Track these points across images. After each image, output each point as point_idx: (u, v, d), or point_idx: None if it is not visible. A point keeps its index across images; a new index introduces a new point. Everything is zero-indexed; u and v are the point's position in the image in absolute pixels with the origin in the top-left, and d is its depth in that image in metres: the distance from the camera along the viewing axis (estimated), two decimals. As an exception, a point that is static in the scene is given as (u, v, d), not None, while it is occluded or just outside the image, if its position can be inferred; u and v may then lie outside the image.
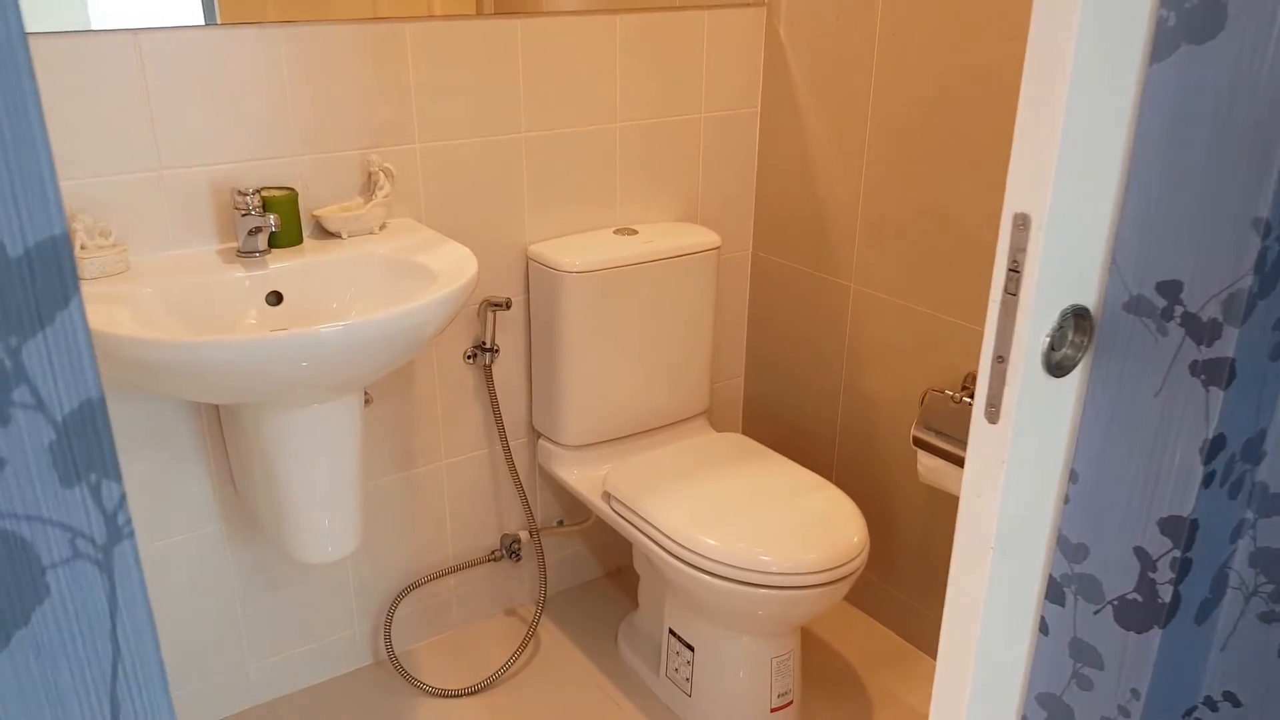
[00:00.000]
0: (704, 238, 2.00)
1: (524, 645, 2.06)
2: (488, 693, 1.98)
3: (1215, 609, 0.99)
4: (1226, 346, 0.84)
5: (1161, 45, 0.83)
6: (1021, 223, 0.86)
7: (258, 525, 1.81)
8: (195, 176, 1.62)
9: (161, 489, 1.73)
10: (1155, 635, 0.94)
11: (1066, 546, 0.99)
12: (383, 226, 1.76)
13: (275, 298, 1.63)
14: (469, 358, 1.97)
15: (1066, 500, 0.98)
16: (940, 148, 1.84)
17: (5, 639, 0.45)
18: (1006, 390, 0.90)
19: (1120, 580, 0.96)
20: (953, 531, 1.94)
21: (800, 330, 2.23)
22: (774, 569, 1.66)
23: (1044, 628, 1.03)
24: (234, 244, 1.66)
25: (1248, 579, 0.97)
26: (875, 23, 1.90)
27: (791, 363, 2.28)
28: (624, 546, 2.32)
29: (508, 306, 1.93)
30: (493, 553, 2.13)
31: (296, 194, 1.66)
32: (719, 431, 2.17)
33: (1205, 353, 0.86)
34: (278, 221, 1.60)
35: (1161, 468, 0.90)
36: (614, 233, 2.00)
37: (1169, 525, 0.91)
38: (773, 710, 1.86)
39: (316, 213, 1.72)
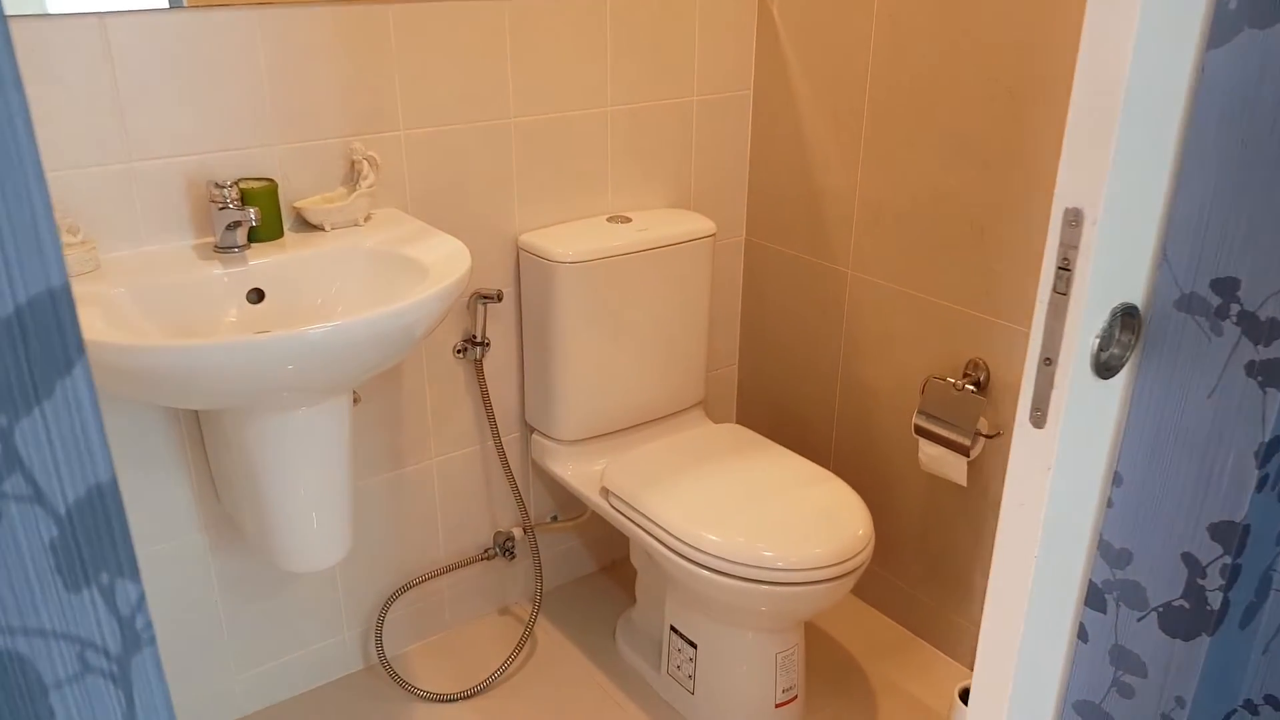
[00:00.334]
0: (699, 225, 1.94)
1: (520, 646, 2.00)
2: (484, 696, 1.93)
3: (1259, 612, 0.96)
4: (1290, 347, 0.80)
5: (1221, 29, 0.78)
6: (1073, 218, 0.81)
7: (241, 534, 1.74)
8: (168, 168, 1.54)
9: (139, 498, 1.65)
10: (1203, 643, 0.91)
11: (1109, 552, 0.95)
12: (368, 218, 1.69)
13: (256, 295, 1.56)
14: (459, 352, 1.90)
15: (1110, 504, 0.94)
16: (940, 132, 1.79)
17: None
18: (1054, 393, 0.86)
19: (1166, 586, 0.92)
20: (953, 519, 1.92)
21: (796, 317, 2.18)
22: (779, 565, 1.62)
23: (1083, 634, 0.99)
24: (211, 239, 1.59)
25: (1298, 584, 0.94)
26: (873, 3, 1.84)
27: (787, 350, 2.23)
28: (619, 540, 2.27)
29: (499, 299, 1.86)
30: (486, 551, 2.08)
31: (276, 185, 1.59)
32: (714, 421, 2.12)
33: (1263, 353, 0.82)
34: (258, 215, 1.52)
35: (1213, 471, 0.86)
36: (607, 220, 1.94)
37: (1220, 530, 0.87)
38: (777, 706, 1.82)
39: (297, 204, 1.64)
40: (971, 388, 1.82)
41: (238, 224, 1.53)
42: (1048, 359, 0.86)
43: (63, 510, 0.34)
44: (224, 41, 1.52)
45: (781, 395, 2.28)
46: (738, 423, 2.41)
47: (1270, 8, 0.75)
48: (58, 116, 1.43)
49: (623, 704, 1.92)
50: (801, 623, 1.82)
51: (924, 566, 2.04)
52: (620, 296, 1.87)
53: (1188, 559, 0.89)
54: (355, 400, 1.76)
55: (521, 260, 1.89)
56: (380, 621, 1.96)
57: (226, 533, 1.75)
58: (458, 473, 1.99)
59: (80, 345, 0.33)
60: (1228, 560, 0.87)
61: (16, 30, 1.37)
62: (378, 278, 1.59)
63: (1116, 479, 0.93)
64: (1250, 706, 1.00)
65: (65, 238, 1.45)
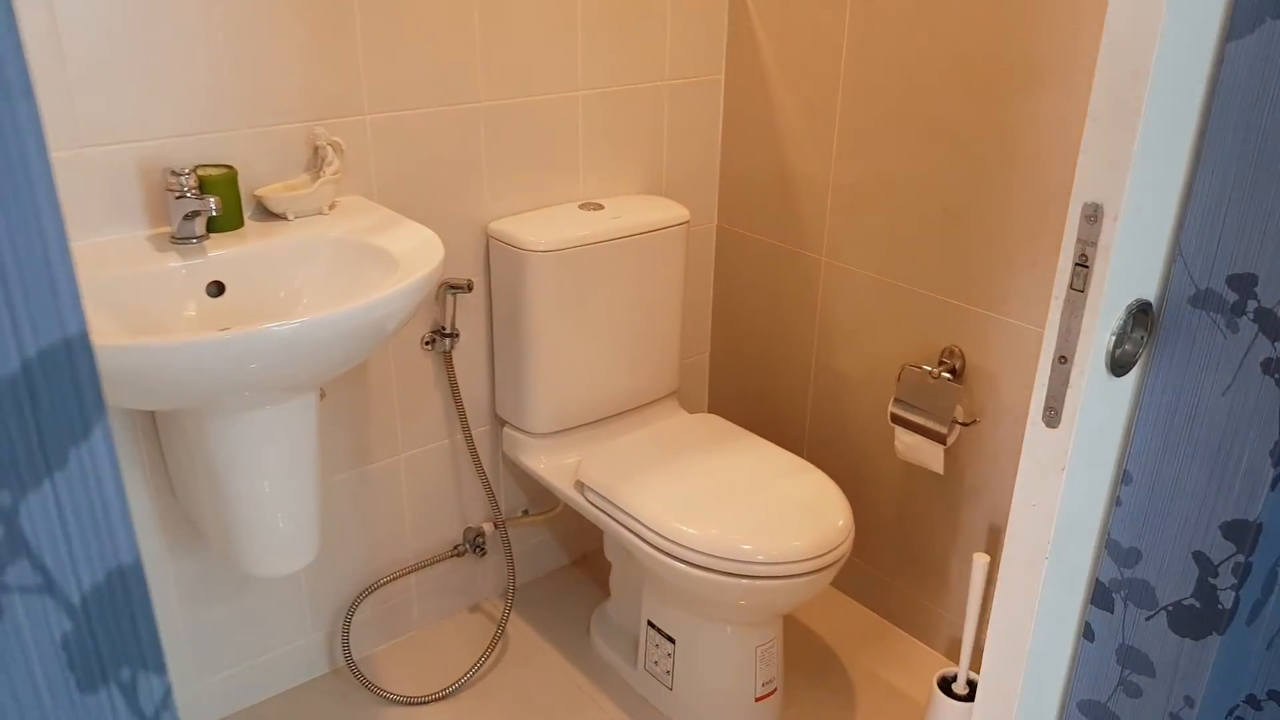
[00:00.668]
0: (673, 212, 1.90)
1: (493, 644, 1.96)
2: (456, 697, 1.88)
3: (1264, 608, 0.95)
4: (1313, 346, 0.78)
5: (1242, 20, 0.76)
6: (1092, 213, 0.78)
7: (202, 536, 1.67)
8: (121, 155, 1.46)
9: (98, 498, 1.58)
10: (1213, 642, 0.90)
11: (1117, 550, 0.93)
12: (332, 206, 1.62)
13: (216, 288, 1.49)
14: (427, 344, 1.85)
15: (1118, 502, 0.92)
16: (915, 116, 1.77)
17: None
18: (1069, 392, 0.83)
19: (1176, 585, 0.90)
20: (930, 507, 1.91)
21: (769, 304, 2.15)
22: (759, 558, 1.60)
23: (1089, 634, 0.98)
24: (167, 229, 1.52)
25: (1310, 582, 0.93)
26: (848, -17, 1.81)
27: (760, 338, 2.20)
28: (591, 532, 2.24)
29: (469, 289, 1.81)
30: (455, 548, 2.03)
31: (236, 172, 1.52)
32: (686, 410, 2.09)
33: (1281, 350, 0.80)
34: (218, 204, 1.45)
35: (1227, 469, 0.85)
36: (579, 207, 1.89)
37: (1233, 529, 0.86)
38: (757, 700, 1.80)
39: (258, 192, 1.57)
40: (947, 375, 1.81)
41: (196, 213, 1.46)
42: (1062, 357, 0.83)
43: (77, 600, 0.29)
44: (180, 19, 1.44)
45: (754, 384, 2.25)
46: (710, 411, 2.38)
47: (1297, -4, 0.73)
48: None
49: (599, 701, 1.88)
50: (781, 615, 1.80)
51: (900, 555, 2.03)
52: (593, 285, 1.83)
53: (1199, 558, 0.88)
54: (320, 395, 1.70)
55: (491, 249, 1.83)
56: (347, 623, 1.90)
57: (185, 534, 1.68)
58: (426, 468, 1.94)
59: (101, 404, 0.27)
60: (1241, 559, 0.86)
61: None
62: (345, 269, 1.53)
63: (1126, 477, 0.91)
64: (1253, 701, 0.99)
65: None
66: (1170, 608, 0.91)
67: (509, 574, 2.01)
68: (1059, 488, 0.86)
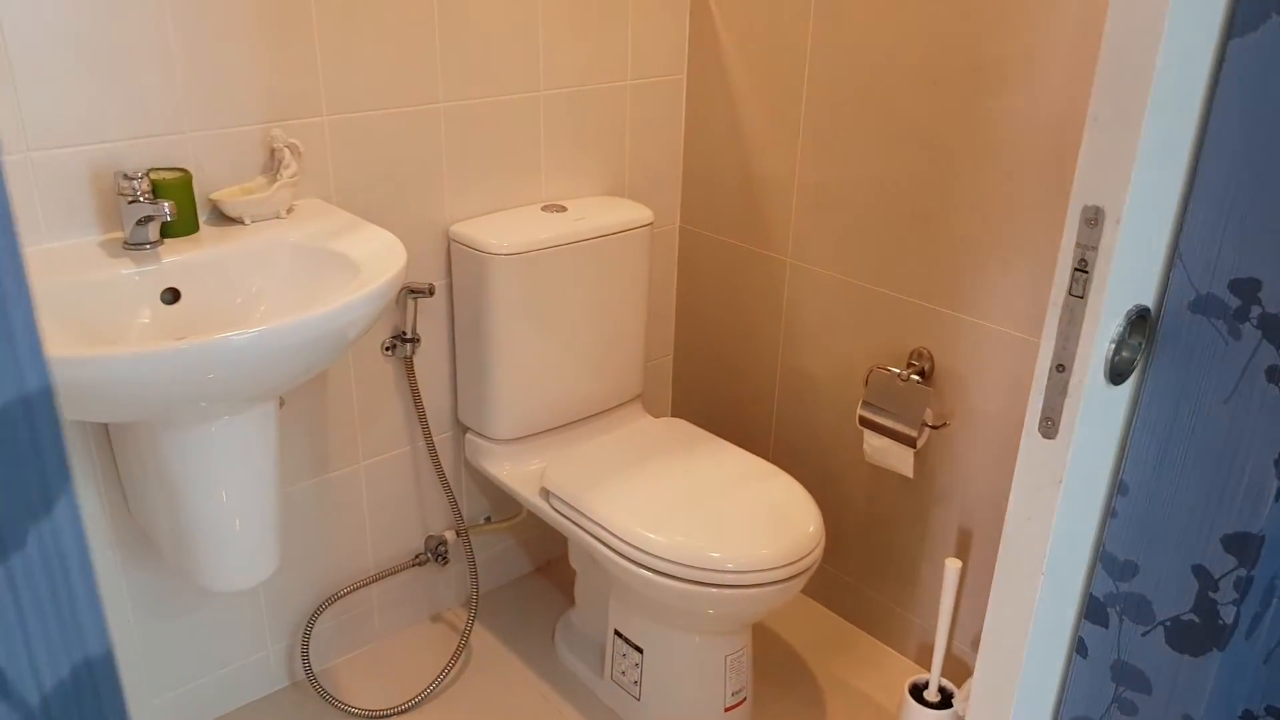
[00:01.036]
0: (636, 213, 1.87)
1: (456, 654, 1.91)
2: (419, 709, 1.83)
3: (1262, 621, 0.93)
4: (1322, 354, 0.76)
5: (1246, 17, 0.74)
6: (1093, 216, 0.76)
7: (156, 549, 1.60)
8: (70, 158, 1.39)
9: (43, 515, 1.51)
10: (1213, 658, 0.88)
11: (1112, 564, 0.91)
12: (290, 210, 1.57)
13: (171, 295, 1.43)
14: (387, 349, 1.79)
15: (1113, 514, 0.90)
16: (882, 116, 1.75)
17: None
18: (1067, 402, 0.81)
19: (1174, 600, 0.88)
20: (899, 511, 1.89)
21: (733, 306, 2.12)
22: (729, 566, 1.56)
23: (1082, 649, 0.96)
24: (119, 234, 1.45)
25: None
26: (816, -18, 1.78)
27: (724, 340, 2.17)
28: (554, 539, 2.19)
29: (430, 293, 1.76)
30: (417, 557, 1.97)
31: (190, 176, 1.46)
32: (650, 414, 2.05)
33: (1285, 358, 0.78)
34: (172, 209, 1.39)
35: (1229, 480, 0.83)
36: (541, 209, 1.84)
37: (1234, 542, 0.84)
38: (727, 710, 1.77)
39: (214, 196, 1.51)
40: (916, 378, 1.79)
41: (149, 218, 1.40)
42: (1060, 365, 0.81)
43: (36, 701, 0.24)
44: (132, 17, 1.38)
45: (719, 387, 2.22)
46: (674, 415, 2.35)
47: (1305, -5, 0.71)
48: (-62, 99, 1.28)
49: (565, 712, 1.84)
50: (750, 624, 1.77)
51: (870, 560, 2.02)
52: (557, 288, 1.78)
53: (1199, 571, 0.86)
54: (280, 404, 1.64)
55: (453, 252, 1.78)
56: (306, 635, 1.84)
57: (139, 547, 1.61)
58: (387, 476, 1.88)
59: (65, 472, 0.22)
60: (1243, 573, 0.84)
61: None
62: (304, 275, 1.48)
63: (1121, 488, 0.89)
64: (1249, 717, 0.98)
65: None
66: (1168, 623, 0.89)
67: (472, 582, 1.96)
68: (1056, 501, 0.84)
